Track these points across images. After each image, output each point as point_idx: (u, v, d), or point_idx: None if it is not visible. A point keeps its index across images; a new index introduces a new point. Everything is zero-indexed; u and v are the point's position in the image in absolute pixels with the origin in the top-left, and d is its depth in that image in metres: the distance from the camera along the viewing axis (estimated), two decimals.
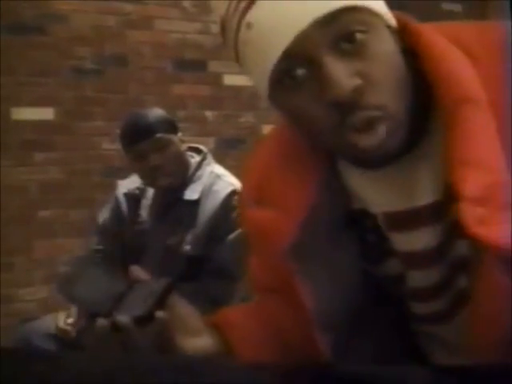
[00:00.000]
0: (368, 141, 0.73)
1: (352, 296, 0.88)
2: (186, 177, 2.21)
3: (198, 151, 2.34)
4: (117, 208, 2.33)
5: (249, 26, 0.73)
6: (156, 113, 2.19)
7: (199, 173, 2.23)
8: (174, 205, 2.20)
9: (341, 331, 0.86)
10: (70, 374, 0.69)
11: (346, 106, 0.71)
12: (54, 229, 3.51)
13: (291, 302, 0.86)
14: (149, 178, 2.18)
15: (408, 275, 0.88)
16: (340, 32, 0.71)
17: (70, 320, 2.19)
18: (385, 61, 0.73)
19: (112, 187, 2.42)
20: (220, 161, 2.38)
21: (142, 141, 2.10)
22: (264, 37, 0.72)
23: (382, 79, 0.72)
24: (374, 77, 0.72)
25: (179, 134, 2.21)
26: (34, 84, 3.45)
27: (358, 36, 0.71)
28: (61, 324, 2.19)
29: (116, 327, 0.80)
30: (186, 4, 3.96)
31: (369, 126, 0.73)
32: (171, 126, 2.18)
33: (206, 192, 2.18)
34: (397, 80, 0.74)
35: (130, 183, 2.34)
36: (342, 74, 0.70)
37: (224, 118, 4.04)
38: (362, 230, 0.89)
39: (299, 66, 0.72)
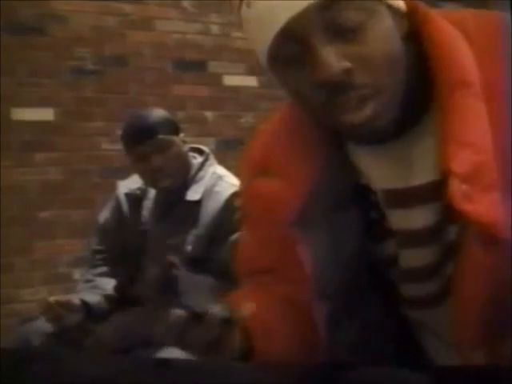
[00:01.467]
0: (355, 118, 0.76)
1: (349, 270, 0.89)
2: (187, 178, 2.21)
3: (200, 152, 2.33)
4: (118, 208, 2.33)
5: (248, 4, 0.77)
6: (157, 113, 2.18)
7: (201, 174, 2.23)
8: (175, 205, 2.20)
9: (335, 303, 0.87)
10: (69, 374, 0.69)
11: (334, 87, 0.74)
12: (54, 229, 3.51)
13: (289, 275, 0.89)
14: (150, 180, 2.18)
15: (402, 255, 0.89)
16: (336, 16, 0.73)
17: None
18: (380, 44, 0.75)
19: (112, 188, 2.42)
20: (220, 161, 2.38)
21: (143, 142, 2.10)
22: (261, 16, 0.76)
23: (374, 62, 0.75)
24: (366, 60, 0.74)
25: (181, 135, 2.20)
26: (34, 84, 3.45)
27: (354, 21, 0.74)
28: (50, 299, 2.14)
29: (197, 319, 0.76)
30: (186, 4, 3.96)
31: (357, 104, 0.75)
32: (173, 127, 2.18)
33: (208, 193, 2.18)
34: (391, 61, 0.76)
35: (131, 183, 2.33)
36: (331, 56, 0.73)
37: (224, 119, 4.04)
38: (365, 206, 0.90)
39: (293, 45, 0.75)
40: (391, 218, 0.88)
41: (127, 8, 3.75)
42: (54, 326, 2.13)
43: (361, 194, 0.90)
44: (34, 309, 3.33)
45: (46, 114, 3.49)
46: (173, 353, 2.02)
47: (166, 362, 0.76)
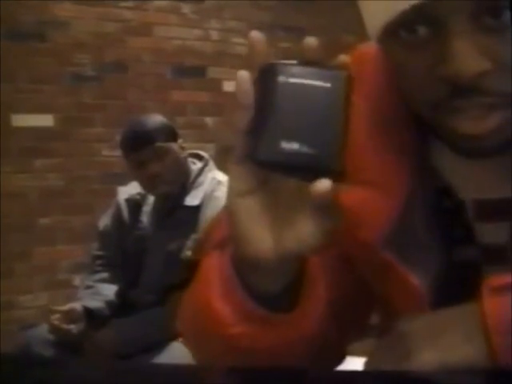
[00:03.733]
0: (476, 128, 0.63)
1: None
2: (186, 183, 2.22)
3: (199, 157, 2.34)
4: (118, 214, 2.33)
5: None
6: (155, 120, 2.19)
7: (200, 179, 2.24)
8: (174, 211, 2.21)
9: None
10: (68, 380, 0.69)
11: (463, 89, 0.61)
12: (54, 235, 3.51)
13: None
14: (148, 186, 2.19)
15: (486, 268, 0.75)
16: (487, 3, 0.59)
17: (71, 325, 2.16)
18: None
19: (111, 193, 2.43)
20: (220, 167, 2.38)
21: (140, 149, 2.11)
22: None
23: None
24: (506, 62, 0.61)
25: (179, 141, 2.21)
26: (34, 91, 3.46)
27: (506, 14, 0.60)
28: (55, 321, 2.16)
29: None
30: (186, 10, 3.97)
31: (481, 112, 0.62)
32: (171, 134, 2.19)
33: (208, 198, 2.18)
34: None
35: (131, 189, 2.34)
36: (471, 52, 0.60)
37: (224, 125, 4.05)
38: (440, 211, 0.76)
39: (425, 24, 0.61)
40: (478, 229, 0.75)
41: (127, 14, 3.76)
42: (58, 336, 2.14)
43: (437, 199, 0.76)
44: (33, 315, 3.34)
45: (45, 120, 3.50)
46: (172, 358, 2.02)
47: (165, 367, 0.76)
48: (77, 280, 3.48)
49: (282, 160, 0.54)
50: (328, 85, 0.55)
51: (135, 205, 2.31)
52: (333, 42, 3.89)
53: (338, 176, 0.55)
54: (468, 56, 0.60)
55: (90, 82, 3.62)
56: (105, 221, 2.37)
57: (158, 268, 2.20)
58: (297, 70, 0.56)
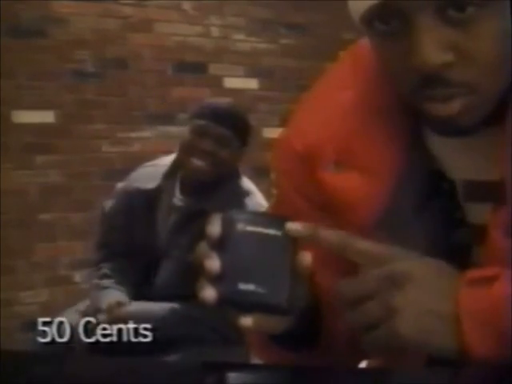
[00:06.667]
0: (442, 110, 0.67)
1: None
2: (218, 186, 2.12)
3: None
4: (128, 200, 2.21)
5: None
6: (247, 120, 2.18)
7: (231, 186, 2.16)
8: (198, 216, 2.11)
9: None
10: (70, 377, 0.69)
11: (428, 79, 0.66)
12: (55, 232, 3.51)
13: None
14: (189, 155, 2.08)
15: (476, 248, 0.78)
16: (452, 7, 0.63)
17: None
18: (490, 41, 0.65)
19: (112, 190, 2.41)
20: None
21: (213, 122, 2.06)
22: None
23: (479, 58, 0.65)
24: (470, 54, 0.65)
25: (243, 150, 2.15)
26: (35, 87, 3.45)
27: (470, 8, 0.63)
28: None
29: None
30: (187, 7, 3.97)
31: (445, 99, 0.67)
32: (245, 140, 2.15)
33: (233, 207, 2.12)
34: (497, 63, 0.66)
35: (147, 180, 2.20)
36: (434, 44, 0.64)
37: None
38: (434, 194, 0.79)
39: (395, 17, 0.65)
40: (468, 210, 0.78)
41: (128, 10, 3.75)
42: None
43: (433, 182, 0.79)
44: (34, 311, 3.34)
45: (46, 117, 3.50)
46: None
47: (165, 365, 0.76)
48: (77, 276, 3.49)
49: (240, 299, 0.62)
50: (279, 233, 0.65)
51: (149, 198, 2.17)
52: (333, 39, 3.89)
53: (286, 312, 0.64)
54: (431, 49, 0.63)
55: (91, 78, 3.61)
56: (111, 203, 2.25)
57: (172, 278, 2.11)
58: (252, 218, 0.66)
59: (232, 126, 2.09)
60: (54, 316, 2.34)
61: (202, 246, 0.66)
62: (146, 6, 3.83)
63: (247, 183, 2.21)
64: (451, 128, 0.70)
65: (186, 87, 3.93)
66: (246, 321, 0.64)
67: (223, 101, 2.17)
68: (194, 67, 3.97)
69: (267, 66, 4.18)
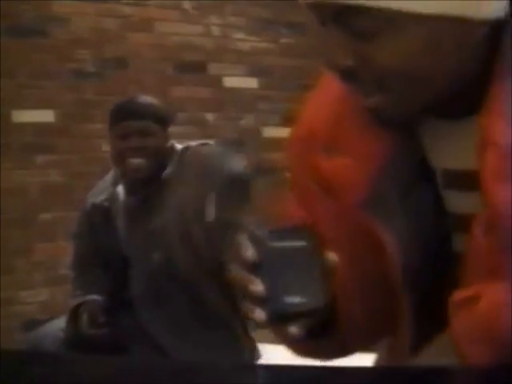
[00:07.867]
0: (366, 103, 0.74)
1: (432, 255, 0.80)
2: (160, 171, 2.16)
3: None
4: (87, 218, 2.30)
5: None
6: (151, 100, 2.21)
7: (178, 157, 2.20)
8: (150, 186, 2.15)
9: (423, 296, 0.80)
10: (70, 377, 0.69)
11: (342, 76, 0.73)
12: (55, 231, 3.51)
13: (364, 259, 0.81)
14: (122, 159, 2.14)
15: (456, 238, 0.81)
16: (352, 10, 0.69)
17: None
18: (394, 58, 0.70)
19: None
20: None
21: (128, 120, 2.11)
22: None
23: (382, 73, 0.71)
24: (373, 68, 0.71)
25: (168, 130, 2.18)
26: (35, 86, 3.45)
27: (376, 21, 0.69)
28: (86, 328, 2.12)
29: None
30: (187, 6, 3.97)
31: (366, 93, 0.73)
32: (162, 119, 2.18)
33: (186, 164, 2.15)
34: (410, 77, 0.71)
35: (98, 193, 2.30)
36: (337, 51, 0.71)
37: (224, 121, 4.04)
38: (419, 182, 0.82)
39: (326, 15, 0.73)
40: (446, 198, 0.80)
41: (127, 10, 3.75)
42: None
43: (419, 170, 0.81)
44: (34, 311, 3.34)
45: (46, 116, 3.50)
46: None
47: (165, 365, 0.76)
48: None
49: (288, 313, 0.67)
50: (304, 243, 0.69)
51: (104, 209, 2.25)
52: None
53: (325, 311, 0.69)
54: (336, 53, 0.71)
55: (91, 77, 3.61)
56: (76, 226, 2.37)
57: (144, 285, 2.14)
58: (276, 235, 0.70)
59: (149, 115, 2.13)
60: (53, 316, 2.35)
61: (238, 271, 0.69)
62: (146, 6, 3.82)
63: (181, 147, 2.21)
64: (385, 118, 0.75)
65: (185, 87, 3.93)
66: (295, 330, 0.68)
67: (129, 98, 2.22)
68: (193, 66, 3.97)
69: (267, 66, 4.18)
